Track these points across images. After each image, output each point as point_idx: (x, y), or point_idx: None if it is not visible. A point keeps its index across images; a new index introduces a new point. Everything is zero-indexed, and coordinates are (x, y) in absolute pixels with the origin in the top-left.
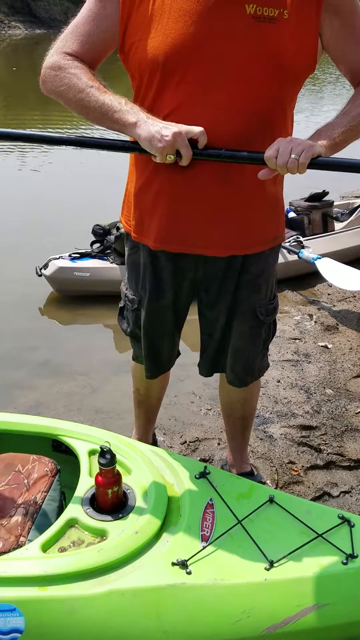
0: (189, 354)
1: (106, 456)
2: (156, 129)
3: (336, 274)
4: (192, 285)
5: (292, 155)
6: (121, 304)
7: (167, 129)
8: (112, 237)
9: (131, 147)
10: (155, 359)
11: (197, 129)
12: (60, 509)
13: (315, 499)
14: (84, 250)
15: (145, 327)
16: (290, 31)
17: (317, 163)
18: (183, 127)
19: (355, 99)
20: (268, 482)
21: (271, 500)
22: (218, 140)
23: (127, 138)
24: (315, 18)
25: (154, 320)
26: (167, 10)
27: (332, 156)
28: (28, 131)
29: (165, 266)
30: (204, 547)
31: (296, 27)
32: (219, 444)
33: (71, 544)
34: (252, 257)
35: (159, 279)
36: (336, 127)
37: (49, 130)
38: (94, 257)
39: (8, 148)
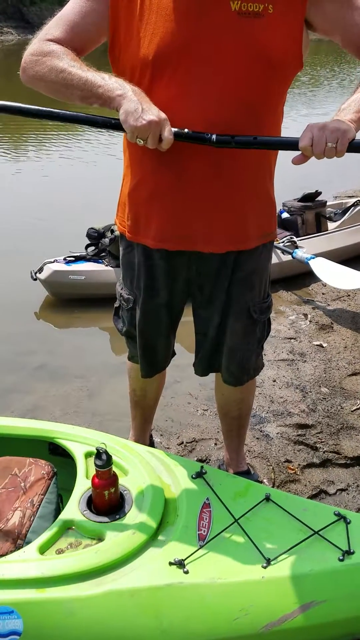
0: (184, 355)
1: (102, 457)
2: (138, 108)
3: (330, 273)
4: (187, 284)
5: (329, 144)
6: (116, 304)
7: (148, 113)
8: (106, 240)
9: (107, 122)
10: (151, 358)
11: (167, 138)
12: (57, 512)
13: (312, 497)
14: (78, 254)
15: (140, 326)
16: (276, 25)
17: (355, 146)
18: (163, 120)
19: None
20: (265, 481)
21: (267, 499)
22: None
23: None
24: (300, 11)
25: (149, 320)
26: (154, 9)
27: None
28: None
29: (159, 264)
30: (201, 547)
31: (282, 21)
32: (215, 444)
33: (68, 546)
34: (245, 254)
35: (153, 277)
36: (355, 98)
37: (46, 132)
38: (88, 260)
39: (2, 151)
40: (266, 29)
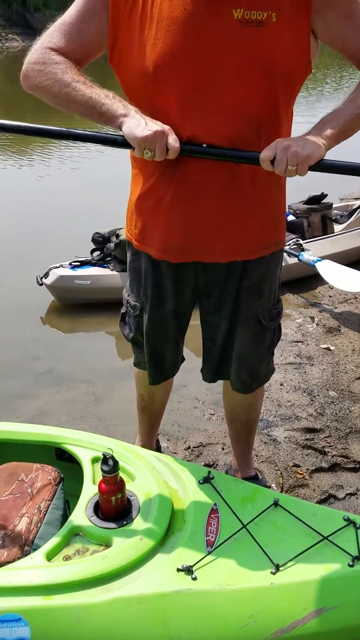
0: (191, 359)
1: (109, 463)
2: (142, 122)
3: (337, 275)
4: (194, 292)
5: (289, 167)
6: (123, 310)
7: (153, 124)
8: (112, 245)
9: (113, 139)
10: (159, 365)
11: (174, 146)
12: (64, 518)
13: (320, 502)
14: (84, 258)
15: (147, 334)
16: (280, 34)
17: (318, 166)
18: (167, 129)
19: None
20: (273, 485)
21: (276, 504)
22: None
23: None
24: (306, 18)
25: (157, 327)
26: (155, 19)
27: (335, 158)
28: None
29: (166, 274)
30: (209, 553)
31: (286, 29)
32: (223, 448)
33: (75, 553)
34: (253, 262)
35: (160, 286)
36: (342, 116)
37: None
38: (94, 264)
39: (6, 158)
40: (270, 38)
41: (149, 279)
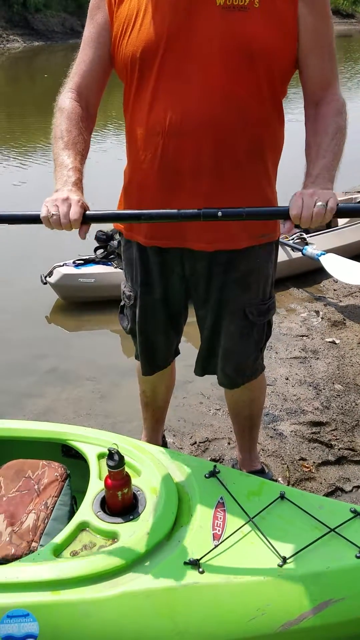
0: (194, 355)
1: (114, 458)
2: (55, 199)
3: (341, 269)
4: (182, 281)
5: (319, 203)
6: (121, 303)
7: (53, 208)
8: (115, 243)
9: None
10: (150, 355)
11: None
12: (71, 513)
13: (327, 495)
14: (87, 257)
15: (139, 322)
16: (262, 20)
17: (341, 210)
18: (64, 218)
19: (318, 131)
20: (279, 479)
21: (282, 497)
22: (197, 129)
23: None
24: (292, 9)
25: (147, 315)
26: (142, 8)
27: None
28: None
29: (153, 260)
30: (216, 546)
31: (269, 16)
32: (229, 443)
33: (83, 548)
34: (240, 253)
35: (148, 272)
36: (324, 164)
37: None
38: (97, 262)
39: (9, 158)
40: (250, 22)
41: (138, 266)
